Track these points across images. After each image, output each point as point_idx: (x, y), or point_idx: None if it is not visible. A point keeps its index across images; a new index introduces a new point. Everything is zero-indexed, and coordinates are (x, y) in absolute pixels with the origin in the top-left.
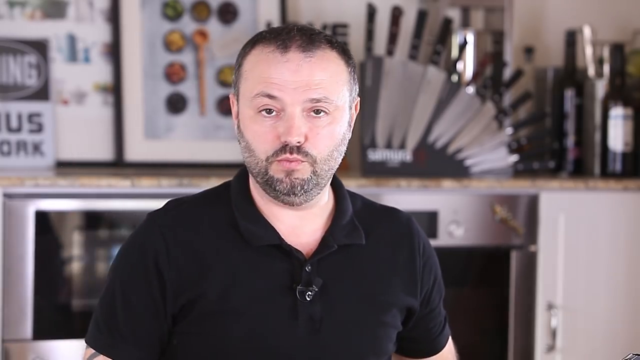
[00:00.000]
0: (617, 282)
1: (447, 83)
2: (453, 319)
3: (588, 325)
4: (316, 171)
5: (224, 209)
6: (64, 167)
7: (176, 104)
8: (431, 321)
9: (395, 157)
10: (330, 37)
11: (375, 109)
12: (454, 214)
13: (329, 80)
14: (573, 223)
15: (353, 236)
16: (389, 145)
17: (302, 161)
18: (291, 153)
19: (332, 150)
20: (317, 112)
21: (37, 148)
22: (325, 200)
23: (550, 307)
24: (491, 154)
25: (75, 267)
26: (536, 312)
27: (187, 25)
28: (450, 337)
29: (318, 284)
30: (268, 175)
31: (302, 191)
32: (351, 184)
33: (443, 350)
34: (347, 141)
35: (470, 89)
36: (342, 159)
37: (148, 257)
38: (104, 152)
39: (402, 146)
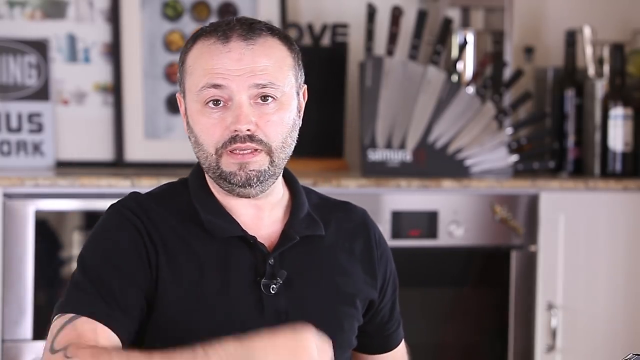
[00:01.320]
0: (617, 282)
1: (447, 83)
2: (453, 319)
3: (588, 325)
4: (273, 161)
5: (185, 204)
6: (64, 167)
7: (176, 104)
8: (386, 315)
9: (395, 157)
10: (270, 25)
11: (375, 109)
12: (454, 214)
13: (273, 66)
14: (573, 223)
15: (313, 228)
16: (389, 145)
17: (259, 150)
18: (243, 142)
19: (285, 137)
20: (264, 99)
21: (37, 148)
22: (280, 192)
23: (550, 307)
24: (491, 154)
25: (75, 267)
26: (536, 312)
27: (187, 25)
28: (403, 341)
29: (282, 277)
30: (220, 170)
31: (257, 182)
32: (351, 184)
33: (396, 350)
34: (298, 128)
35: (470, 89)
36: (341, 159)
37: (133, 235)
38: (104, 152)
39: (402, 146)
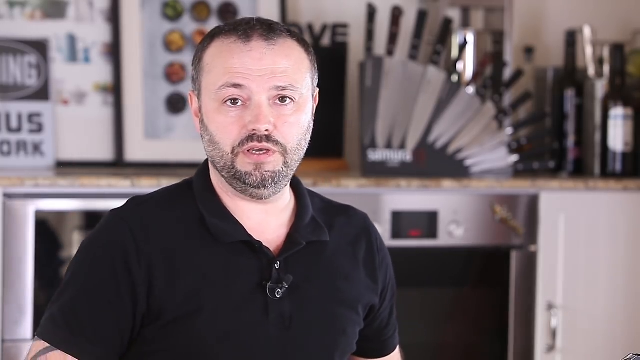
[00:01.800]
0: (617, 282)
1: (447, 83)
2: (453, 319)
3: (588, 325)
4: (287, 162)
5: (189, 206)
6: (64, 167)
7: (176, 104)
8: (384, 321)
9: (395, 157)
10: (287, 27)
11: (375, 109)
12: (454, 214)
13: (293, 68)
14: (573, 223)
15: (318, 233)
16: (389, 145)
17: (273, 151)
18: (259, 141)
19: (300, 139)
20: (283, 100)
21: (37, 148)
22: (288, 197)
23: (550, 307)
24: (491, 154)
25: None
26: (536, 312)
27: (187, 25)
28: (398, 347)
29: (288, 281)
30: (235, 170)
31: (272, 183)
32: (351, 184)
33: (391, 355)
34: (311, 131)
35: (470, 89)
36: (341, 159)
37: (116, 255)
38: (104, 152)
39: (402, 146)
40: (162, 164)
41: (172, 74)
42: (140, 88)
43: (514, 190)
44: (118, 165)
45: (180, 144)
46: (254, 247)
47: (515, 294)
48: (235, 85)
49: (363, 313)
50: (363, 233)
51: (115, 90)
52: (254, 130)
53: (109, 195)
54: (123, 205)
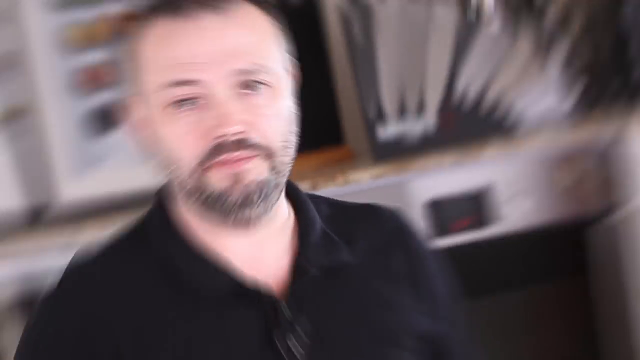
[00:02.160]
0: None
1: (463, 20)
2: (518, 329)
3: None
4: (275, 166)
5: (152, 255)
6: None
7: (105, 119)
8: (451, 344)
9: (414, 128)
10: None
11: (374, 71)
12: (505, 191)
13: (257, 41)
14: None
15: (333, 252)
16: (402, 114)
17: (253, 155)
18: (233, 150)
19: (286, 133)
20: (254, 87)
21: None
22: (285, 213)
23: None
24: (539, 102)
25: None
26: (633, 302)
27: (107, 8)
28: None
29: (305, 326)
30: (208, 192)
31: (260, 198)
32: (363, 177)
33: None
34: (296, 118)
35: (495, 22)
36: (343, 146)
37: (65, 351)
38: (12, 200)
39: (421, 111)
40: (103, 201)
41: (90, 81)
42: (51, 108)
43: (579, 144)
44: (42, 215)
45: (122, 171)
46: (247, 293)
47: (599, 283)
48: (183, 82)
49: (421, 345)
50: (396, 237)
51: (18, 118)
52: (220, 137)
53: (40, 259)
54: (65, 274)
